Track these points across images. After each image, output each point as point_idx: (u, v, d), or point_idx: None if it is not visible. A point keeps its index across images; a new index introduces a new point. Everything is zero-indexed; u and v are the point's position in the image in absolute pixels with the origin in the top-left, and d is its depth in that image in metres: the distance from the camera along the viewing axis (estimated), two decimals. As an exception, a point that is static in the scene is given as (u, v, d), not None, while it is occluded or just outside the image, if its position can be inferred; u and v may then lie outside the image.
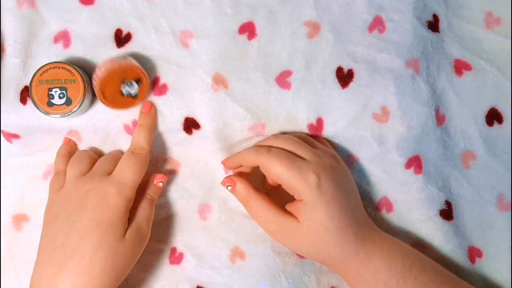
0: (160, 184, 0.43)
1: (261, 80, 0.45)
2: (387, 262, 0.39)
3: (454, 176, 0.46)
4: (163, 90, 0.46)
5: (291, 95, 0.46)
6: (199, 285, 0.45)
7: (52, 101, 0.43)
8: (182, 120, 0.46)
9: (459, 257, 0.45)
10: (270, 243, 0.45)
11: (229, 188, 0.42)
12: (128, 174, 0.41)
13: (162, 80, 0.46)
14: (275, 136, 0.43)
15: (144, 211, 0.41)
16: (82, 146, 0.46)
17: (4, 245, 0.46)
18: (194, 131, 0.46)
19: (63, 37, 0.45)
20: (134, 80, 0.43)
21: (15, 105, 0.45)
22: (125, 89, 0.43)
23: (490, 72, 0.47)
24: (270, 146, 0.41)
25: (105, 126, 0.46)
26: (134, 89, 0.43)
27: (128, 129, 0.46)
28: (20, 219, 0.46)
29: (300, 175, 0.38)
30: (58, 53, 0.45)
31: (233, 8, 0.45)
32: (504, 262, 0.46)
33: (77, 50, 0.45)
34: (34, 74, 0.42)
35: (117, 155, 0.44)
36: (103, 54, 0.45)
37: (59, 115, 0.43)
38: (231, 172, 0.46)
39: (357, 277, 0.40)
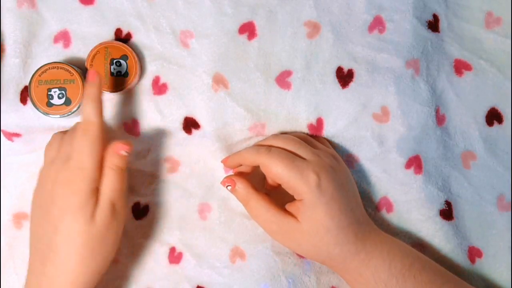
0: (124, 153, 0.39)
1: (261, 80, 0.45)
2: (387, 262, 0.39)
3: (454, 176, 0.46)
4: (162, 89, 0.45)
5: (291, 95, 0.45)
6: (199, 285, 0.45)
7: (51, 101, 0.42)
8: (181, 120, 0.45)
9: (459, 257, 0.45)
10: (270, 243, 0.45)
11: (229, 188, 0.41)
12: (84, 158, 0.38)
13: (162, 80, 0.45)
14: (275, 136, 0.43)
15: (111, 184, 0.38)
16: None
17: (4, 243, 0.45)
18: (194, 131, 0.46)
19: (63, 37, 0.45)
20: (120, 58, 0.42)
21: (15, 105, 0.44)
22: (114, 69, 0.42)
23: (490, 72, 0.47)
24: (271, 146, 0.41)
25: (106, 125, 0.45)
26: (122, 67, 0.42)
27: (127, 127, 0.45)
28: (20, 218, 0.45)
29: (300, 175, 0.38)
30: (58, 53, 0.45)
31: (233, 8, 0.45)
32: (504, 262, 0.45)
33: (77, 50, 0.45)
34: (33, 75, 0.42)
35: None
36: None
37: (58, 116, 0.42)
38: (231, 172, 0.45)
39: (357, 277, 0.40)
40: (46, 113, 0.42)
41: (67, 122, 0.45)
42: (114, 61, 0.42)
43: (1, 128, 0.45)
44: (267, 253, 0.44)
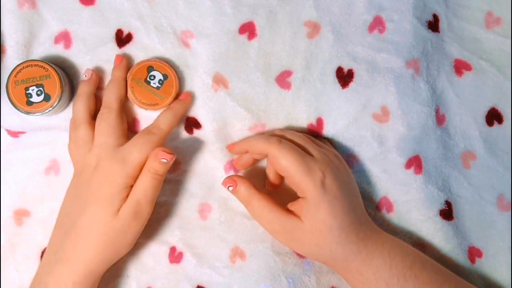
0: (164, 161, 0.39)
1: (261, 80, 0.45)
2: (388, 261, 0.39)
3: (454, 176, 0.46)
4: (164, 90, 0.45)
5: (291, 95, 0.45)
6: (199, 284, 0.44)
7: (31, 99, 0.42)
8: (183, 120, 0.45)
9: (459, 257, 0.44)
10: (270, 243, 0.44)
11: (230, 188, 0.41)
12: (134, 152, 0.39)
13: (163, 80, 0.45)
14: (283, 129, 0.42)
15: (143, 185, 0.39)
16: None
17: (5, 240, 0.45)
18: (195, 131, 0.45)
19: (64, 38, 0.44)
20: (160, 73, 0.43)
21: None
22: (150, 79, 0.42)
23: (490, 72, 0.46)
24: (281, 137, 0.40)
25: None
26: (158, 79, 0.42)
27: (129, 126, 0.44)
28: (21, 214, 0.45)
29: (307, 171, 0.38)
30: (59, 54, 0.44)
31: (233, 8, 0.44)
32: (504, 262, 0.45)
33: (78, 51, 0.44)
34: (9, 77, 0.42)
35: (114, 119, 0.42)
36: (104, 54, 0.44)
37: (40, 113, 0.42)
38: (232, 172, 0.45)
39: (358, 277, 0.39)
40: (27, 113, 0.42)
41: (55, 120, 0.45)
42: (153, 72, 0.43)
43: (6, 128, 0.45)
44: (267, 253, 0.44)
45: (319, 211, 0.38)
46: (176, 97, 0.44)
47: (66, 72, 0.44)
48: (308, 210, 0.38)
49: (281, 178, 0.44)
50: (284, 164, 0.38)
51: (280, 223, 0.39)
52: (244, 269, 0.44)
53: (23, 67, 0.42)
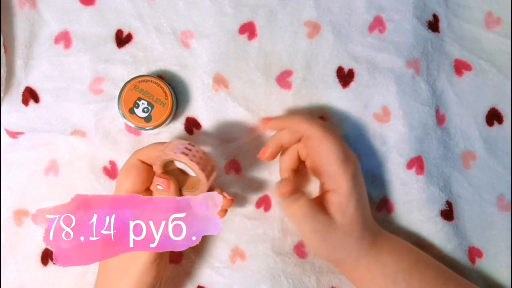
0: (159, 187, 0.36)
1: (261, 80, 0.44)
2: (394, 258, 0.38)
3: (454, 176, 0.44)
4: (164, 90, 0.44)
5: (292, 95, 0.44)
6: (199, 284, 0.43)
7: (135, 109, 0.41)
8: (183, 120, 0.44)
9: (460, 257, 0.43)
10: (270, 243, 0.43)
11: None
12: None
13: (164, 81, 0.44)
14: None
15: None
16: (86, 142, 0.44)
17: (5, 240, 0.44)
18: (195, 131, 0.44)
19: (64, 38, 0.43)
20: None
21: (17, 105, 0.43)
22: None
23: (490, 72, 0.45)
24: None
25: (108, 125, 0.44)
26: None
27: (129, 128, 0.44)
28: (20, 215, 0.44)
29: (346, 161, 0.36)
30: (59, 54, 0.43)
31: (233, 8, 0.43)
32: (504, 262, 0.44)
33: (77, 50, 0.43)
34: (133, 78, 0.41)
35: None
36: (103, 54, 0.43)
37: (134, 125, 0.41)
38: (232, 172, 0.44)
39: (366, 275, 0.38)
40: (123, 116, 0.41)
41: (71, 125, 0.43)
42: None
43: (5, 128, 0.44)
44: (267, 253, 0.43)
45: (349, 206, 0.36)
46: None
47: (178, 104, 0.44)
48: (339, 205, 0.36)
49: (297, 168, 0.41)
50: (327, 148, 0.35)
51: (322, 224, 0.35)
52: (244, 269, 0.43)
53: (151, 80, 0.41)
